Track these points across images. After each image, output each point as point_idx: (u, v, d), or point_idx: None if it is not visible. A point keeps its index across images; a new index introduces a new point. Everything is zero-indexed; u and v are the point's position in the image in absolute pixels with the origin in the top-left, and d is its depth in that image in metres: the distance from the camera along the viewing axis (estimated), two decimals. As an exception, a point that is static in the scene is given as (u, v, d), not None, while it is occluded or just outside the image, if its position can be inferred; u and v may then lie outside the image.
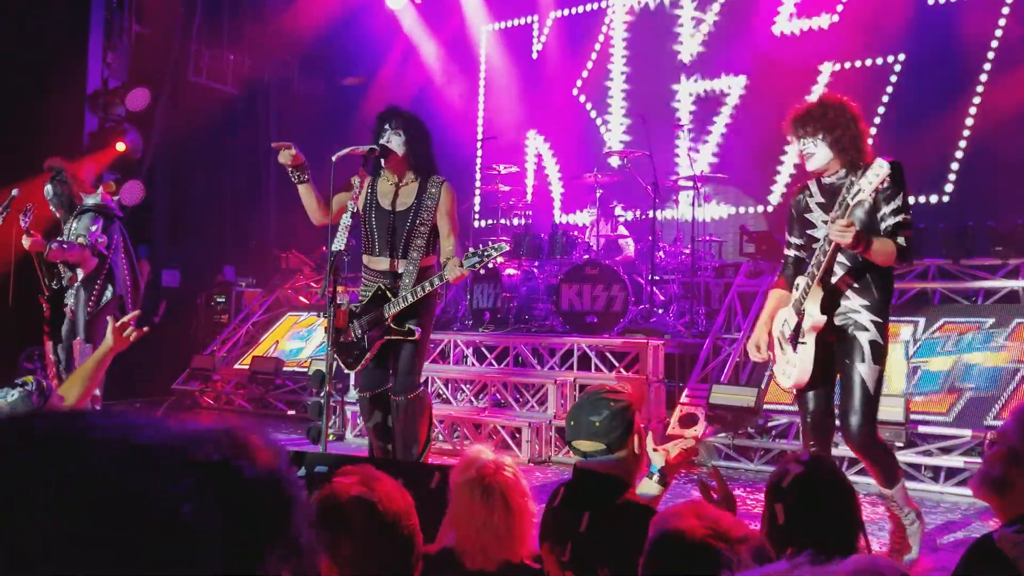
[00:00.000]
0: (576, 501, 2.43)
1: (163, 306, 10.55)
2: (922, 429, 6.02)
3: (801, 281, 3.84)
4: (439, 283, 4.35)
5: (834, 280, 3.81)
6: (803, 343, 3.80)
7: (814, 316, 3.74)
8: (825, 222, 3.76)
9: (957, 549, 4.41)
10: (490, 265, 7.07)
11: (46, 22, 9.75)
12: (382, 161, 4.50)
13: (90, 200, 6.42)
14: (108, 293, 6.34)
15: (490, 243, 4.55)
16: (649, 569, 1.57)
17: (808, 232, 3.91)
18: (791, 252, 4.08)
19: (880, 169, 3.47)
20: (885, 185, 3.67)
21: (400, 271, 4.47)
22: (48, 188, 6.43)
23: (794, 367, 3.84)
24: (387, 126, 4.50)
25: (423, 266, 4.48)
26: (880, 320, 3.80)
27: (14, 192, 6.31)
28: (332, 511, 1.81)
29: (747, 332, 7.27)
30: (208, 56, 11.51)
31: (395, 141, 4.47)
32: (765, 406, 6.45)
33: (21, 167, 6.44)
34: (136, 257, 9.33)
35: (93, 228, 6.23)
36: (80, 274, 6.27)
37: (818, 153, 3.83)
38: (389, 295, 4.45)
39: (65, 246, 6.12)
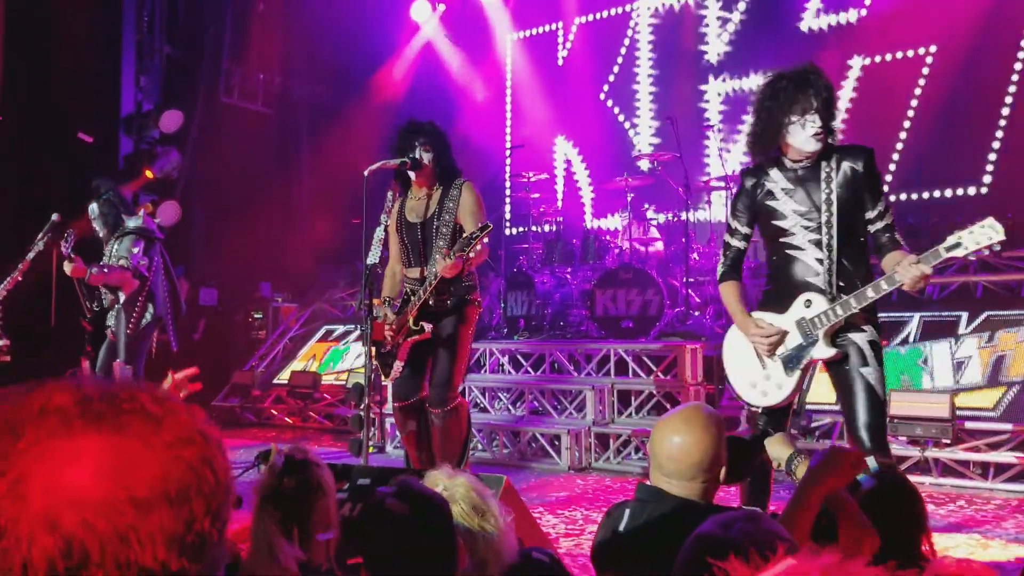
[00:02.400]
0: (643, 524, 2.23)
1: (202, 323, 10.67)
2: (969, 425, 5.91)
3: (816, 300, 3.44)
4: (434, 279, 4.31)
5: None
6: (798, 369, 3.47)
7: (824, 352, 3.43)
8: (800, 213, 3.45)
9: (1008, 548, 4.33)
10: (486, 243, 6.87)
11: (78, 47, 9.92)
12: (411, 176, 4.54)
13: (131, 223, 6.49)
14: (148, 315, 6.40)
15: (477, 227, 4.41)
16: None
17: (773, 223, 3.54)
18: (737, 242, 3.70)
19: (994, 232, 3.09)
20: (860, 169, 3.40)
21: (426, 277, 4.50)
22: (94, 207, 6.48)
23: (778, 388, 3.51)
24: (416, 143, 4.53)
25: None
26: (874, 316, 3.51)
27: (54, 217, 6.41)
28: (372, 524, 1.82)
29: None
30: (239, 76, 11.64)
31: (425, 158, 4.52)
32: (807, 406, 6.37)
33: (58, 193, 6.54)
34: (175, 276, 9.46)
35: (135, 250, 6.29)
36: (121, 296, 6.34)
37: (819, 133, 3.38)
38: (411, 297, 4.53)
39: (106, 270, 6.19)
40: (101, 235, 6.51)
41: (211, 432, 0.73)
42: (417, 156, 4.49)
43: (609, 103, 11.32)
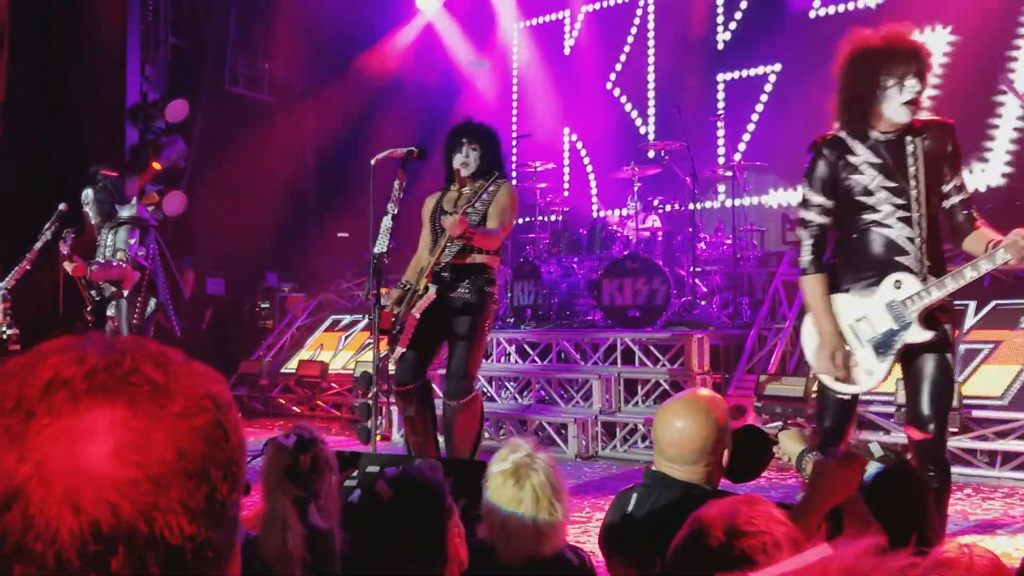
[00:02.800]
0: (651, 509, 2.26)
1: (209, 313, 10.69)
2: (976, 414, 5.90)
3: (906, 280, 3.23)
4: (446, 221, 4.32)
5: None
6: (890, 354, 3.26)
7: (919, 335, 3.22)
8: (889, 189, 3.24)
9: (1015, 537, 4.33)
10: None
11: (84, 37, 9.92)
12: (457, 174, 4.62)
13: (125, 212, 6.44)
14: (151, 304, 6.42)
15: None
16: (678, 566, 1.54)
17: (857, 198, 3.30)
18: (819, 217, 3.38)
19: None
20: (946, 145, 3.27)
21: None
22: (88, 192, 6.41)
23: (868, 375, 3.29)
24: (464, 141, 4.59)
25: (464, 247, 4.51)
26: (950, 300, 3.33)
27: (61, 206, 6.41)
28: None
29: (792, 321, 7.19)
30: (244, 65, 11.65)
31: (472, 157, 4.59)
32: (814, 395, 6.37)
33: (65, 183, 6.54)
34: (181, 266, 9.47)
35: (131, 241, 6.27)
36: (125, 290, 6.34)
37: (914, 100, 3.17)
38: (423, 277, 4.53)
39: (106, 265, 6.18)
40: (94, 222, 6.43)
41: (220, 392, 0.73)
42: (464, 157, 4.56)
43: (616, 92, 11.29)
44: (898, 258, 3.26)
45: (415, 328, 4.38)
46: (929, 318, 3.23)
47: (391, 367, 4.59)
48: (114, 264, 6.20)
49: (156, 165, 10.17)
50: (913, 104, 3.18)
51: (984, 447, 5.83)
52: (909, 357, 3.30)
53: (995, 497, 5.23)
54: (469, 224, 4.25)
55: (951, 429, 5.72)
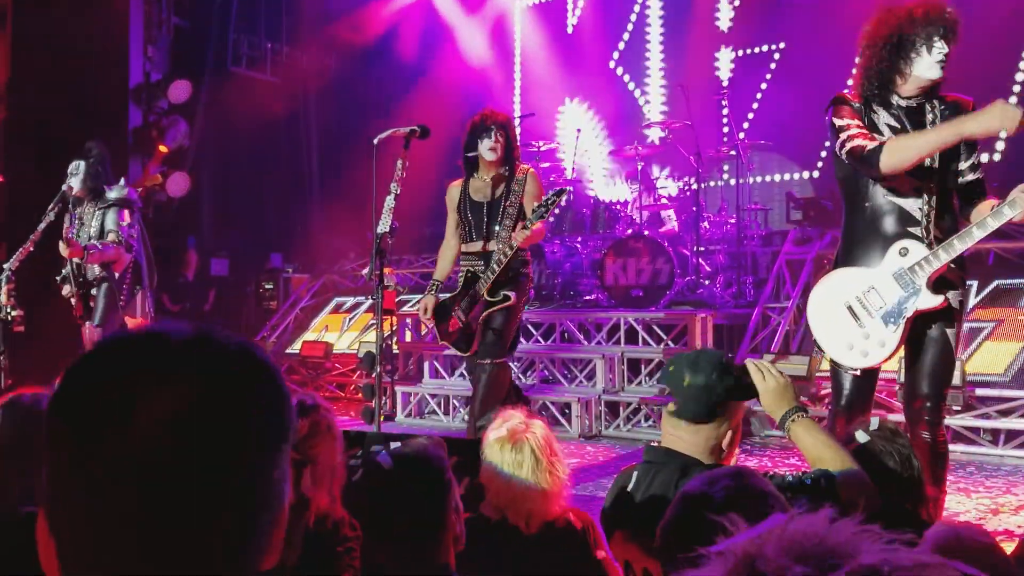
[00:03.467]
0: (653, 484, 2.22)
1: (212, 294, 10.71)
2: (979, 392, 5.91)
3: (912, 247, 3.20)
4: (510, 251, 4.65)
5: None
6: (901, 322, 3.22)
7: (930, 301, 3.18)
8: None
9: (1018, 514, 4.35)
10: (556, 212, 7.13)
11: (86, 17, 9.88)
12: (484, 157, 4.85)
13: (112, 193, 6.40)
14: (137, 285, 6.44)
15: (551, 192, 4.68)
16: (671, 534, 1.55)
17: None
18: (858, 134, 3.28)
19: None
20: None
21: (491, 250, 4.82)
22: (80, 164, 6.36)
23: (881, 346, 3.23)
24: (491, 128, 4.82)
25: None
26: (965, 273, 3.33)
27: (64, 187, 6.41)
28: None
29: (796, 301, 7.19)
30: (247, 45, 11.60)
31: (499, 144, 4.82)
32: (817, 374, 6.38)
33: (67, 162, 6.52)
34: (184, 247, 9.48)
35: (123, 223, 6.27)
36: (115, 273, 6.33)
37: (943, 61, 3.17)
38: (478, 275, 4.80)
39: (102, 248, 6.17)
40: (75, 192, 6.35)
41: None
42: (491, 146, 4.80)
43: (619, 71, 11.24)
44: (911, 228, 3.23)
45: (484, 323, 4.77)
46: (938, 283, 3.20)
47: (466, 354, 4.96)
48: (110, 247, 6.19)
49: (163, 148, 10.16)
50: (942, 62, 3.16)
51: (987, 425, 5.84)
52: (914, 329, 3.26)
53: (997, 475, 5.24)
54: (535, 219, 4.57)
55: (954, 407, 5.75)
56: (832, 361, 3.38)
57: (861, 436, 2.18)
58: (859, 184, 3.32)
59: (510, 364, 5.01)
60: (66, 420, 0.78)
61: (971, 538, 1.58)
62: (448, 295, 4.98)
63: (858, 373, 3.31)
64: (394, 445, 1.92)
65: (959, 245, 3.13)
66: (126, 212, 6.35)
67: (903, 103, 3.26)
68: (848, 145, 3.22)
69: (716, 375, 2.16)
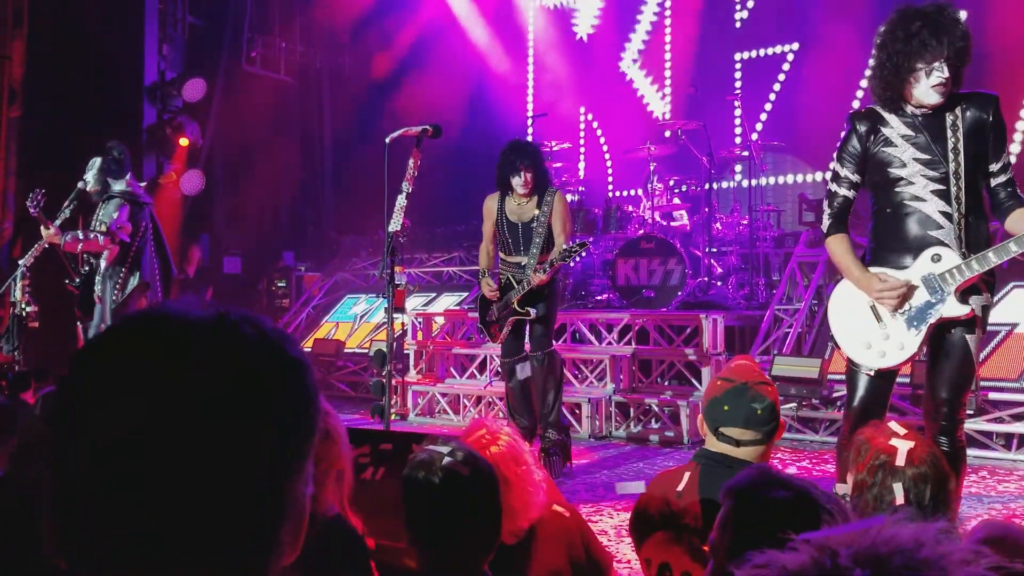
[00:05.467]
0: (712, 488, 2.18)
1: (209, 292, 10.71)
2: (993, 396, 5.87)
3: (946, 254, 3.17)
4: (527, 285, 5.33)
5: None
6: (923, 327, 3.20)
7: (956, 309, 3.16)
8: (922, 162, 3.18)
9: (1032, 517, 4.31)
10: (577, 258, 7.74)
11: (101, 16, 9.94)
12: (513, 185, 5.42)
13: (117, 186, 6.44)
14: (134, 280, 6.41)
15: (575, 243, 5.40)
16: (728, 532, 1.57)
17: (890, 171, 3.25)
18: (844, 190, 3.38)
19: None
20: (988, 118, 3.18)
21: (523, 264, 5.48)
22: (97, 160, 6.42)
23: (900, 348, 3.22)
24: (519, 166, 5.35)
25: (541, 260, 5.41)
26: (993, 278, 3.27)
27: (80, 184, 6.45)
28: (423, 483, 1.82)
29: (808, 303, 7.16)
30: (261, 45, 11.65)
31: (527, 178, 5.38)
32: (829, 376, 6.35)
33: (84, 163, 6.57)
34: (191, 244, 9.47)
35: (115, 215, 6.27)
36: (103, 263, 6.35)
37: (941, 85, 3.12)
38: (514, 283, 5.47)
39: (80, 236, 6.18)
40: (90, 189, 6.44)
41: None
42: (521, 180, 5.37)
43: (633, 71, 11.22)
44: (933, 233, 3.19)
45: (512, 324, 5.53)
46: (964, 292, 3.16)
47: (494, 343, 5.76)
48: (90, 237, 6.18)
49: (184, 141, 10.20)
50: (941, 89, 3.11)
51: (1000, 429, 5.80)
52: (936, 333, 3.23)
53: (1010, 480, 5.21)
54: (556, 262, 5.28)
55: (968, 411, 5.70)
56: (849, 361, 3.36)
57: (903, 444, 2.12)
58: (882, 189, 3.31)
59: (556, 351, 5.61)
60: (64, 409, 0.72)
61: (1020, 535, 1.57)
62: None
63: (872, 374, 3.27)
64: (443, 448, 1.87)
65: (994, 258, 3.09)
66: (127, 207, 6.35)
67: (919, 111, 3.22)
68: (826, 203, 3.44)
69: (771, 399, 2.32)
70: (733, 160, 9.17)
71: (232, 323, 0.75)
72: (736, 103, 9.41)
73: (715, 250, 8.30)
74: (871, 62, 3.35)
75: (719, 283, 8.12)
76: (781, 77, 9.93)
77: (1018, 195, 3.22)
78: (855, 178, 3.35)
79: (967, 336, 3.20)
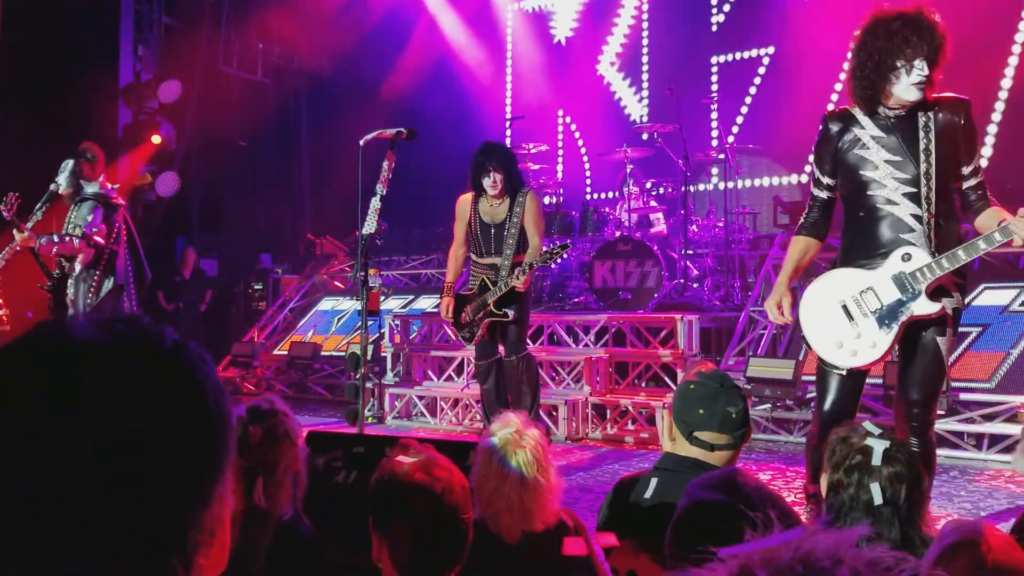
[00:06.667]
0: (675, 493, 2.28)
1: (209, 294, 10.67)
2: (964, 396, 5.94)
3: (916, 253, 3.20)
4: (505, 287, 5.34)
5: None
6: (895, 326, 3.22)
7: (927, 307, 3.19)
8: (893, 164, 3.22)
9: (1001, 517, 4.37)
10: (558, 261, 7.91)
11: (76, 16, 9.86)
12: (485, 187, 5.47)
13: (89, 188, 6.39)
14: (108, 283, 6.37)
15: (556, 244, 5.44)
16: (679, 538, 1.58)
17: (862, 173, 3.29)
18: (821, 193, 3.46)
19: None
20: (960, 121, 3.22)
21: (498, 265, 5.50)
22: (69, 163, 6.37)
23: (872, 347, 3.24)
24: (489, 168, 5.41)
25: (515, 261, 5.44)
26: (963, 280, 3.32)
27: (52, 186, 6.40)
28: (391, 495, 1.82)
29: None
30: (238, 46, 11.59)
31: (498, 180, 5.43)
32: (803, 378, 6.40)
33: (58, 164, 6.51)
34: (183, 247, 9.39)
35: (90, 218, 6.22)
36: (77, 266, 6.31)
37: (922, 82, 3.13)
38: (490, 285, 5.47)
39: (56, 239, 6.13)
40: (62, 192, 6.38)
41: None
42: (492, 181, 5.42)
43: (610, 74, 11.26)
44: (904, 236, 3.23)
45: (487, 326, 5.54)
46: (936, 290, 3.20)
47: (468, 347, 5.88)
48: (65, 240, 6.15)
49: (156, 139, 10.13)
50: (921, 84, 3.13)
51: (971, 430, 5.86)
52: (907, 335, 3.26)
53: (980, 480, 5.27)
54: (536, 263, 5.34)
55: (939, 412, 5.76)
56: (820, 361, 3.37)
57: (878, 443, 2.13)
58: (855, 193, 3.34)
59: (531, 353, 5.69)
60: None
61: (995, 536, 1.58)
62: (465, 292, 5.69)
63: (844, 374, 3.30)
64: (405, 460, 1.87)
65: (963, 256, 3.13)
66: (100, 209, 6.31)
67: (891, 113, 3.25)
68: (808, 205, 3.55)
69: (744, 403, 2.33)
70: (709, 163, 9.22)
71: (118, 340, 0.76)
72: (712, 106, 9.47)
73: (691, 252, 8.35)
74: (846, 65, 3.39)
75: (695, 285, 8.17)
76: (757, 81, 10.00)
77: (987, 196, 3.27)
78: (830, 180, 3.41)
79: (938, 338, 3.23)
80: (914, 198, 3.21)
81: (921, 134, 3.20)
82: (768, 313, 3.51)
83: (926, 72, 3.10)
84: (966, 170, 3.26)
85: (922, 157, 3.20)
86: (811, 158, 3.49)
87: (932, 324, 3.23)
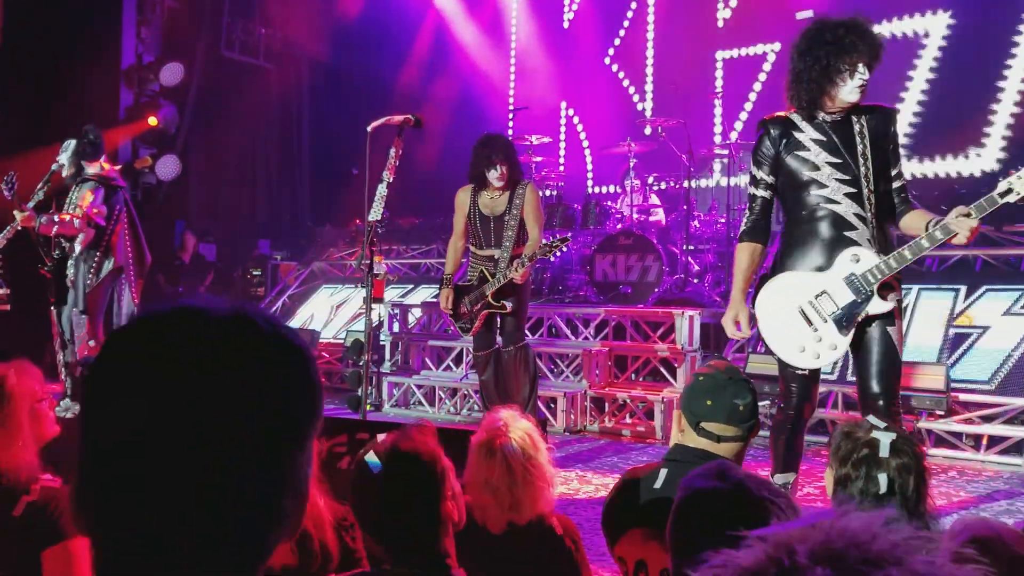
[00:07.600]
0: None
1: (210, 277, 10.63)
2: (963, 397, 5.94)
3: (864, 254, 3.36)
4: (503, 279, 5.30)
5: None
6: (853, 326, 3.37)
7: (880, 306, 3.35)
8: (834, 165, 3.38)
9: (1000, 519, 4.37)
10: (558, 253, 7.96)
11: (80, -2, 9.80)
12: (487, 178, 5.42)
13: (91, 170, 6.39)
14: (108, 264, 6.38)
15: (556, 237, 5.47)
16: (679, 531, 1.57)
17: (805, 174, 3.43)
18: (762, 192, 3.59)
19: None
20: (890, 128, 3.45)
21: (496, 257, 5.47)
22: (71, 143, 6.37)
23: (832, 349, 3.40)
24: (493, 160, 5.36)
25: (514, 253, 5.41)
26: (900, 278, 3.48)
27: (54, 166, 6.39)
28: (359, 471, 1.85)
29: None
30: (240, 30, 11.53)
31: (502, 171, 5.38)
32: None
33: (59, 143, 6.49)
34: (182, 231, 9.37)
35: (90, 199, 6.23)
36: (78, 246, 6.30)
37: (863, 85, 3.35)
38: (488, 277, 5.44)
39: (56, 220, 6.13)
40: (65, 174, 6.40)
41: None
42: (497, 174, 5.37)
43: (614, 67, 11.23)
44: (848, 233, 3.39)
45: (484, 317, 5.53)
46: (881, 287, 3.36)
47: (466, 337, 5.82)
48: (66, 220, 6.15)
49: (153, 120, 10.08)
50: (863, 88, 3.34)
51: (970, 431, 5.87)
52: (856, 330, 3.40)
53: (979, 481, 5.28)
54: (537, 256, 5.31)
55: (938, 412, 5.78)
56: (781, 363, 3.53)
57: (884, 435, 2.14)
58: (796, 193, 3.50)
59: (528, 344, 5.68)
60: (91, 393, 0.81)
61: (1008, 531, 1.58)
62: (464, 283, 5.65)
63: (806, 372, 3.48)
64: (381, 437, 1.91)
65: (909, 255, 3.30)
66: (101, 190, 6.31)
67: (828, 118, 3.43)
68: (747, 208, 3.67)
69: (753, 397, 2.33)
70: (712, 158, 9.20)
71: (249, 319, 0.84)
72: (716, 102, 9.44)
73: (692, 248, 8.34)
74: (789, 68, 3.55)
75: (696, 280, 8.16)
76: (762, 77, 9.97)
77: (910, 200, 3.48)
78: (771, 179, 3.56)
79: (888, 328, 3.38)
80: (855, 198, 3.40)
81: (858, 139, 3.41)
82: (726, 330, 3.66)
83: (867, 76, 3.31)
84: (894, 172, 3.46)
85: (860, 160, 3.40)
86: (751, 161, 3.66)
87: (881, 316, 3.38)
